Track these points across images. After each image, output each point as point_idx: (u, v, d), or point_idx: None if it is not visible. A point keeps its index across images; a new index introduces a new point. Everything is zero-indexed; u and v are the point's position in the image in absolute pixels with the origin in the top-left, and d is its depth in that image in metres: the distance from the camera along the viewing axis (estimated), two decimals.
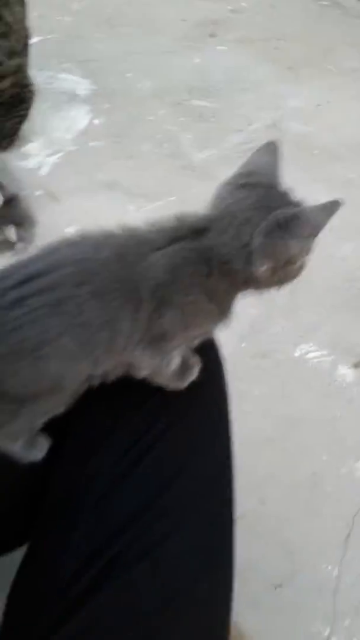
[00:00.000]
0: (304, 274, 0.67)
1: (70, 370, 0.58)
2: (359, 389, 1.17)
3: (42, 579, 0.63)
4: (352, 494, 1.02)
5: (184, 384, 0.67)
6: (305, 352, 1.23)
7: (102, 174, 1.59)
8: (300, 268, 0.65)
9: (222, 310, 0.65)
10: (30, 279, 0.55)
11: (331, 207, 0.62)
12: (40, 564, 0.65)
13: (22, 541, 0.71)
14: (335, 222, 1.53)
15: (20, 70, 1.52)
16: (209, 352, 0.72)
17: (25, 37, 1.53)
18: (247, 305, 1.31)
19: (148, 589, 0.59)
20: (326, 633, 0.86)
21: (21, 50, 1.52)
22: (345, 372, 1.20)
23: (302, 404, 1.14)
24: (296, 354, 1.22)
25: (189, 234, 0.60)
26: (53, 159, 1.62)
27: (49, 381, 0.57)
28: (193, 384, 0.68)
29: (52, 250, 0.59)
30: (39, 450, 0.66)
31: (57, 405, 0.61)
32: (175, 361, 0.66)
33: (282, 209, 0.60)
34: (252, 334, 1.24)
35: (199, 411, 0.70)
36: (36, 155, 1.62)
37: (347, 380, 1.18)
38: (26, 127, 1.68)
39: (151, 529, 0.61)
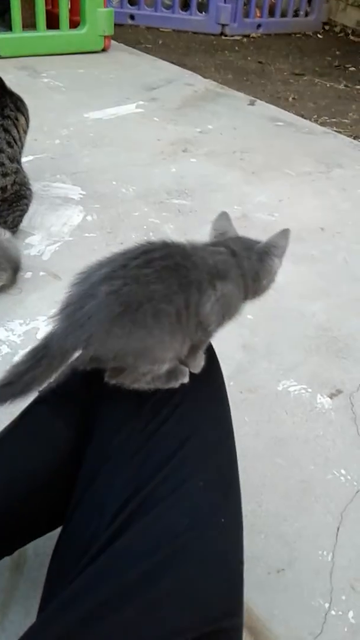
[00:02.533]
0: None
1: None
2: (337, 414, 1.33)
3: (87, 520, 0.75)
4: (339, 494, 1.14)
5: (177, 384, 0.83)
6: (287, 386, 1.40)
7: (97, 258, 1.81)
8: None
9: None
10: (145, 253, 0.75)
11: (284, 233, 0.88)
12: (84, 511, 0.77)
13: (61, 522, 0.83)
14: (303, 288, 1.87)
15: (19, 172, 1.80)
16: (209, 350, 0.90)
17: (21, 147, 1.85)
18: (232, 352, 1.50)
19: (175, 514, 0.72)
20: (326, 606, 0.96)
21: (19, 156, 1.83)
22: (324, 400, 1.36)
23: (288, 426, 1.29)
24: (279, 388, 1.39)
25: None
26: (53, 247, 1.85)
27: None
28: (200, 373, 0.85)
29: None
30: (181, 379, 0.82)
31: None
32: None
33: (258, 245, 0.86)
34: (239, 374, 1.41)
35: (203, 392, 0.87)
36: (38, 245, 1.86)
37: (326, 407, 1.35)
38: (27, 223, 1.93)
39: (175, 473, 0.75)
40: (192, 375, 0.85)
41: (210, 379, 0.88)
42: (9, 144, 1.77)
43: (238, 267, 0.82)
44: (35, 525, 0.85)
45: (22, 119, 1.85)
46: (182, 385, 0.83)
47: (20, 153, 1.85)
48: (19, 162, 1.84)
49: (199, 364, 0.86)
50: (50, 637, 0.64)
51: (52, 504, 0.83)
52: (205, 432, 0.81)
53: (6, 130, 1.77)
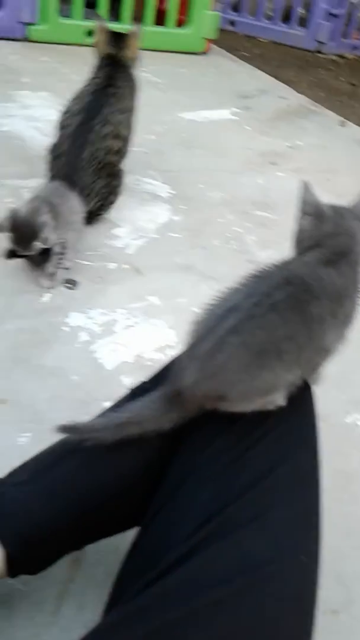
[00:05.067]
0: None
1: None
2: None
3: (165, 530, 0.76)
4: None
5: (272, 406, 0.84)
6: (356, 419, 1.38)
7: (180, 258, 1.84)
8: None
9: None
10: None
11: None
12: (163, 520, 0.77)
13: (135, 523, 0.84)
14: None
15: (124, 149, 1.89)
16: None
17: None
18: None
19: (257, 543, 0.71)
20: None
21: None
22: None
23: (355, 461, 1.27)
24: (347, 420, 1.37)
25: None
26: (138, 242, 1.87)
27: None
28: (294, 398, 0.85)
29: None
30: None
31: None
32: None
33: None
34: None
35: (299, 420, 0.86)
36: (124, 238, 1.88)
37: None
38: (116, 215, 1.96)
39: (261, 499, 0.75)
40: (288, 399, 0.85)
41: (305, 405, 0.88)
42: (120, 111, 1.82)
43: (353, 280, 0.82)
44: (111, 525, 0.86)
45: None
46: (278, 408, 0.83)
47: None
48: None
49: (318, 379, 0.87)
50: None
51: (132, 507, 0.84)
52: (297, 461, 0.80)
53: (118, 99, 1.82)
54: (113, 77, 1.85)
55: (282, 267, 0.82)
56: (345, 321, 0.82)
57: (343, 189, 2.47)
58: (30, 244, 1.45)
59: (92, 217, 1.81)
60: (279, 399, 0.84)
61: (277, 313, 0.75)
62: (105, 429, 0.80)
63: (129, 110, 1.88)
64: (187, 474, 0.79)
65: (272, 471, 0.77)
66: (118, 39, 1.90)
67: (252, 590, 0.67)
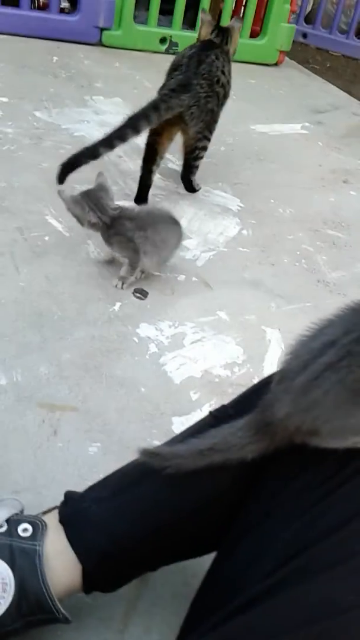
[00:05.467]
0: None
1: None
2: None
3: (245, 563, 0.74)
4: None
5: None
6: None
7: (248, 274, 1.82)
8: None
9: None
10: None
11: None
12: (243, 552, 0.76)
13: (209, 549, 0.83)
14: None
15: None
16: None
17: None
18: None
19: (342, 587, 0.69)
20: None
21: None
22: None
23: None
24: None
25: None
26: (207, 254, 1.87)
27: None
28: None
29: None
30: None
31: None
32: None
33: None
34: None
35: None
36: (193, 250, 1.88)
37: None
38: (186, 226, 1.96)
39: (351, 540, 0.72)
40: None
41: None
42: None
43: None
44: (186, 548, 0.85)
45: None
46: None
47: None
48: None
49: None
50: None
51: (208, 532, 0.83)
52: None
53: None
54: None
55: None
56: None
57: None
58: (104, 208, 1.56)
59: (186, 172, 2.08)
60: None
61: None
62: (188, 456, 0.79)
63: (225, 83, 2.00)
64: (272, 507, 0.77)
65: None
66: (223, 31, 1.99)
67: (333, 634, 0.66)
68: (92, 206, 1.54)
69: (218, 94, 1.97)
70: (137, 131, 1.76)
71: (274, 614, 0.67)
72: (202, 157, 2.10)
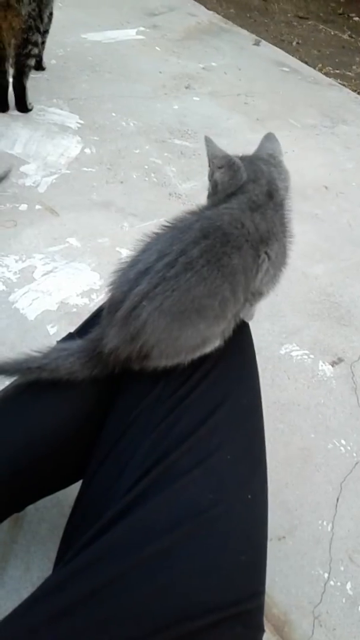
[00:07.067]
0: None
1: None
2: (338, 383, 1.32)
3: (106, 483, 0.72)
4: (338, 465, 1.15)
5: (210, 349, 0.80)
6: (290, 350, 1.38)
7: (97, 195, 1.73)
8: None
9: None
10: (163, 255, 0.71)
11: (269, 137, 0.90)
12: (104, 473, 0.73)
13: (76, 478, 0.80)
14: (306, 248, 1.80)
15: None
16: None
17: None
18: None
19: (201, 488, 0.69)
20: (325, 576, 0.97)
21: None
22: (325, 368, 1.35)
23: (290, 392, 1.28)
24: (282, 352, 1.37)
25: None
26: (50, 179, 1.74)
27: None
28: (231, 337, 0.81)
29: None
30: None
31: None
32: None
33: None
34: None
35: (236, 357, 0.83)
36: (33, 175, 1.74)
37: (327, 375, 1.33)
38: (22, 150, 1.81)
39: (202, 443, 0.72)
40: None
41: (241, 341, 0.84)
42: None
43: (280, 222, 0.78)
44: (49, 483, 0.82)
45: None
46: (215, 350, 0.80)
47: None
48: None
49: (252, 315, 0.84)
50: (55, 606, 0.61)
51: (69, 463, 0.79)
52: (238, 399, 0.78)
53: None
54: None
55: (200, 217, 0.75)
56: (275, 263, 0.78)
57: (261, 112, 2.41)
58: None
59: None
60: (213, 346, 0.80)
61: (193, 271, 0.71)
62: (13, 371, 0.76)
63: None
64: (127, 426, 0.75)
65: (213, 414, 0.74)
66: None
67: (197, 535, 0.66)
68: None
69: None
70: None
71: (134, 527, 0.65)
72: (34, 56, 1.93)
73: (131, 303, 0.71)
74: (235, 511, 0.69)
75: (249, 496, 0.71)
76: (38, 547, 0.92)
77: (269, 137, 0.88)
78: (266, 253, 0.77)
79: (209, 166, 0.81)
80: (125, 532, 0.65)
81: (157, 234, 0.75)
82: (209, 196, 0.83)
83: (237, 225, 0.75)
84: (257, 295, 0.79)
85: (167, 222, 0.76)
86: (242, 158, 0.82)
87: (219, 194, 0.80)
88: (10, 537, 0.92)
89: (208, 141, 0.81)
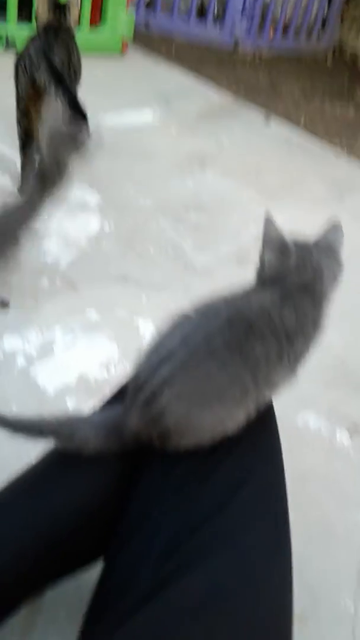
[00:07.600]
0: None
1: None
2: (356, 452, 1.32)
3: (130, 564, 0.72)
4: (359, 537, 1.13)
5: None
6: (306, 420, 1.38)
7: (115, 269, 1.79)
8: None
9: None
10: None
11: (335, 229, 0.87)
12: (126, 559, 0.74)
13: (97, 557, 0.80)
14: None
15: None
16: None
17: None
18: None
19: (229, 572, 0.68)
20: None
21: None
22: (343, 436, 1.35)
23: (308, 462, 1.27)
24: (299, 421, 1.37)
25: None
26: (70, 254, 1.82)
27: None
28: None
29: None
30: None
31: None
32: None
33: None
34: None
35: (259, 433, 0.84)
36: (54, 251, 1.82)
37: (345, 444, 1.33)
38: (44, 227, 1.90)
39: (225, 526, 0.72)
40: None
41: (264, 418, 0.85)
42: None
43: (312, 317, 0.80)
44: (70, 562, 0.81)
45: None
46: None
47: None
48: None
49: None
50: None
51: (91, 540, 0.80)
52: (261, 477, 0.78)
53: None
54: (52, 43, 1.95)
55: (228, 304, 0.79)
56: (296, 358, 0.80)
57: (272, 187, 2.50)
58: None
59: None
60: (235, 429, 0.81)
61: (215, 360, 0.73)
62: (30, 427, 0.79)
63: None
64: (150, 506, 0.75)
65: (237, 493, 0.75)
66: (61, 8, 1.96)
67: (222, 621, 0.65)
68: None
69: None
70: None
71: (158, 615, 0.65)
72: None
73: (152, 387, 0.74)
74: (260, 597, 0.68)
75: (275, 579, 0.71)
76: (56, 631, 0.91)
77: (334, 227, 0.86)
78: (290, 347, 0.78)
79: (262, 245, 0.83)
80: (145, 621, 0.64)
81: (184, 317, 0.78)
82: (257, 273, 0.85)
83: (264, 317, 0.77)
84: (275, 387, 0.81)
85: (196, 306, 0.79)
86: (297, 244, 0.83)
87: (265, 274, 0.83)
88: (30, 623, 0.91)
89: (268, 222, 0.83)
